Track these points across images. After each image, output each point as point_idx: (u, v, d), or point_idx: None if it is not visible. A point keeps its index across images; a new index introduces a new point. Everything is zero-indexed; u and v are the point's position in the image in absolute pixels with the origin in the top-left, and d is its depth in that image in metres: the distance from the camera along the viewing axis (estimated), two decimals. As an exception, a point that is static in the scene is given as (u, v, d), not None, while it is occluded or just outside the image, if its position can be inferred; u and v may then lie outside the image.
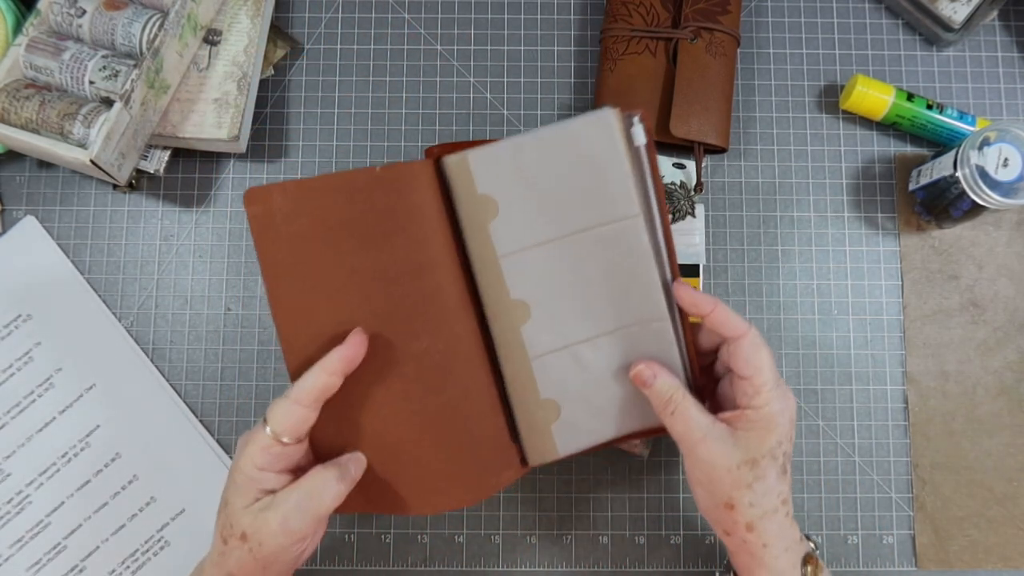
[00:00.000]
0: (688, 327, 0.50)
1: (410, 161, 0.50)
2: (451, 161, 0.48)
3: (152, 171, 0.62)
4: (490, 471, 0.51)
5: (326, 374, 0.44)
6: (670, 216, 0.62)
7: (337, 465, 0.46)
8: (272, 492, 0.45)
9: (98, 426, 0.61)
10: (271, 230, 0.45)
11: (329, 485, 0.45)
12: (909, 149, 0.65)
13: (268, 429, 0.44)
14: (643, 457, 0.61)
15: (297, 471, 0.46)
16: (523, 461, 0.52)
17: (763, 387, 0.47)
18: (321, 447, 0.48)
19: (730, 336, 0.47)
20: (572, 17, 0.67)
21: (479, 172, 0.47)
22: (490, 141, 0.48)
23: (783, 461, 0.47)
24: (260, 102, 0.65)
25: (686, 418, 0.47)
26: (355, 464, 0.47)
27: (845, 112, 0.65)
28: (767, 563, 0.47)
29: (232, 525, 0.45)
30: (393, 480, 0.49)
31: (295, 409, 0.44)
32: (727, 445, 0.46)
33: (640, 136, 0.46)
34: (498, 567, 0.60)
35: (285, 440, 0.44)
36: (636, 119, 0.46)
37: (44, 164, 0.65)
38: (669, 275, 0.49)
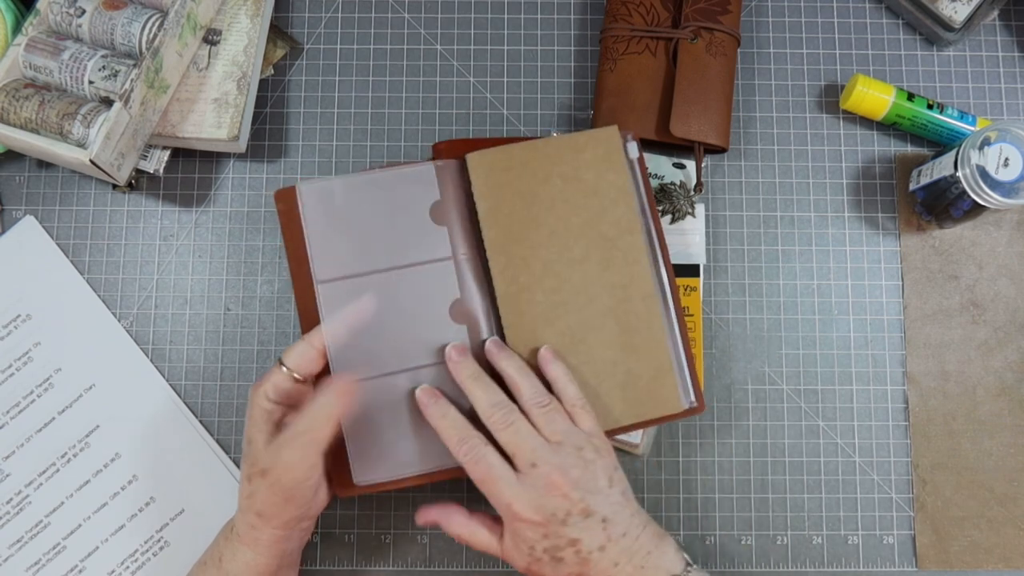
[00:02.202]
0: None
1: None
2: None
3: (152, 171, 0.62)
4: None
5: (339, 324, 0.52)
6: (670, 216, 0.62)
7: (324, 391, 0.49)
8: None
9: (98, 426, 0.61)
10: (294, 221, 0.54)
11: (324, 409, 0.49)
12: (909, 149, 0.65)
13: (284, 368, 0.50)
14: (643, 457, 0.61)
15: None
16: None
17: (494, 507, 0.50)
18: None
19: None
20: (572, 17, 0.67)
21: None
22: (493, 140, 0.55)
23: (550, 556, 0.48)
24: (260, 102, 0.65)
25: (478, 546, 0.52)
26: (341, 387, 0.50)
27: (845, 112, 0.65)
28: None
29: (255, 463, 0.49)
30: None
31: (309, 350, 0.51)
32: (509, 557, 0.50)
33: (633, 151, 0.56)
34: (498, 567, 0.60)
35: (297, 376, 0.50)
36: (629, 137, 0.56)
37: (44, 164, 0.65)
38: (667, 279, 0.54)
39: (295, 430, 0.49)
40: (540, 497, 0.47)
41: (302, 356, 0.51)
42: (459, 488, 0.61)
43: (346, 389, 0.50)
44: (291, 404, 0.51)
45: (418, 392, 0.52)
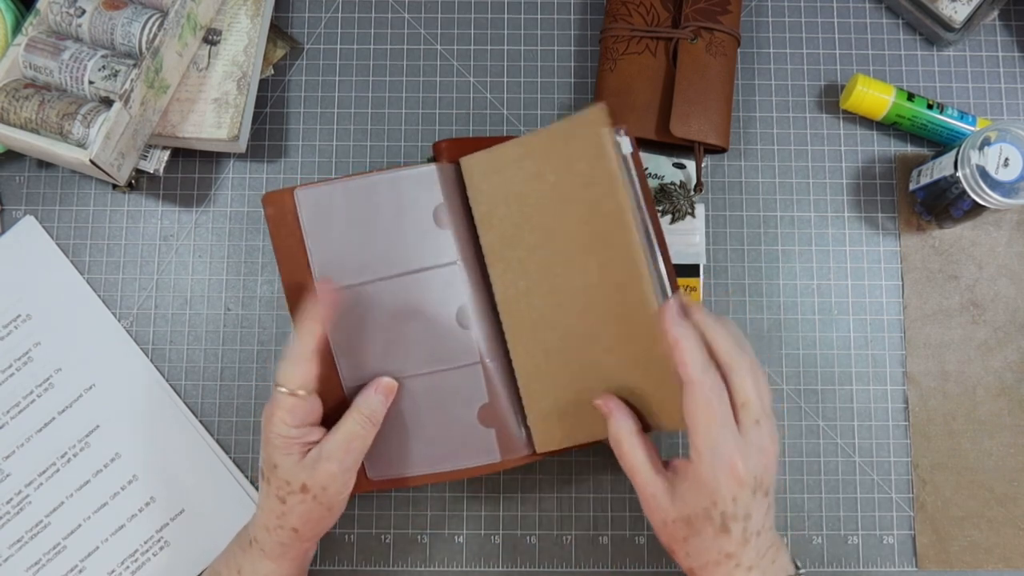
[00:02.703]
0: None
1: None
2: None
3: (152, 171, 0.62)
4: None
5: (311, 321, 0.51)
6: (670, 216, 0.62)
7: (358, 408, 0.51)
8: (314, 443, 0.50)
9: (98, 426, 0.61)
10: (283, 226, 0.54)
11: (362, 421, 0.51)
12: (909, 149, 0.65)
13: (284, 390, 0.49)
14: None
15: (325, 424, 0.51)
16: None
17: (699, 447, 0.45)
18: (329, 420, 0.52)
19: (681, 379, 0.46)
20: (572, 17, 0.67)
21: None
22: (494, 140, 0.54)
23: (723, 521, 0.45)
24: (260, 102, 0.65)
25: (630, 465, 0.48)
26: (376, 396, 0.52)
27: (845, 112, 0.65)
28: None
29: (289, 482, 0.49)
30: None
31: (299, 362, 0.49)
32: (663, 500, 0.47)
33: (626, 145, 0.52)
34: (498, 567, 0.60)
35: (301, 393, 0.49)
36: (622, 131, 0.52)
37: (43, 164, 0.65)
38: (666, 279, 0.51)
39: (336, 440, 0.49)
40: (754, 457, 0.45)
41: (295, 372, 0.49)
42: (459, 486, 0.61)
43: (389, 388, 0.52)
44: (315, 423, 0.50)
45: (671, 300, 0.48)
